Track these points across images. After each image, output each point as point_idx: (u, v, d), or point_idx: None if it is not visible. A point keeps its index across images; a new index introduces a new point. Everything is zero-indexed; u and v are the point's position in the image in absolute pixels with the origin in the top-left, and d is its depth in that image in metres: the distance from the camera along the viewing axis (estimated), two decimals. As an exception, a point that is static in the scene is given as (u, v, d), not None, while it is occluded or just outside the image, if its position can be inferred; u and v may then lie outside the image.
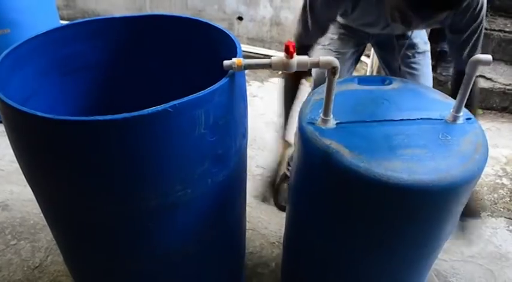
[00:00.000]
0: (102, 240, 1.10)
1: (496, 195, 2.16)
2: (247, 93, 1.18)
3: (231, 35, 1.12)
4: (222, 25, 1.19)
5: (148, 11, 3.54)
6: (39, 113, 0.83)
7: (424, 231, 1.11)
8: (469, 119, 1.17)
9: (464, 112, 1.16)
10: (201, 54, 1.31)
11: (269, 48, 3.33)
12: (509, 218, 2.03)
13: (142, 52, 1.35)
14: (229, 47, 1.09)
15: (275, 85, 3.02)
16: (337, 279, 1.34)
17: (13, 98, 0.88)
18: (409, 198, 1.01)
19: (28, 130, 0.91)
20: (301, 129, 1.14)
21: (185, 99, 0.87)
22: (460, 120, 1.15)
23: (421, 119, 1.16)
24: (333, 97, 1.06)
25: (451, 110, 1.15)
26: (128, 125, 0.84)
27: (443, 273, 1.77)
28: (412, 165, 1.00)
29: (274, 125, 2.56)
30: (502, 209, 2.08)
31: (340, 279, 1.33)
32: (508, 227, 1.98)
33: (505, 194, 2.17)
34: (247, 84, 2.83)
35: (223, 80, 0.95)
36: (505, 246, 1.89)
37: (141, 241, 1.08)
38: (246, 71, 1.06)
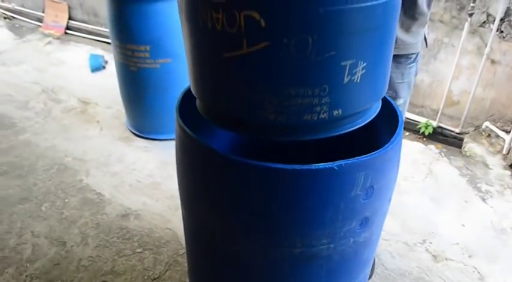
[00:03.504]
0: (235, 277, 1.17)
1: None
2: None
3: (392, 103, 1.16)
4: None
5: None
6: (221, 152, 0.93)
7: None
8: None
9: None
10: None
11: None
12: None
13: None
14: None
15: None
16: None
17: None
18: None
19: (205, 163, 1.02)
20: None
21: (350, 160, 0.92)
22: None
23: None
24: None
25: None
26: (295, 176, 0.91)
27: None
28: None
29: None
30: None
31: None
32: None
33: None
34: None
35: (387, 147, 0.98)
36: None
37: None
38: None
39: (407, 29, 1.40)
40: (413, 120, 3.08)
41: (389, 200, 1.16)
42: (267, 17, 0.79)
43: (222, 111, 1.00)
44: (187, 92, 1.20)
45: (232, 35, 0.83)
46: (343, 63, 0.85)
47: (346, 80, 0.87)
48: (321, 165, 0.90)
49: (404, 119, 1.10)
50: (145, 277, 1.92)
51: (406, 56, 1.47)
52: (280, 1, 0.79)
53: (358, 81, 0.89)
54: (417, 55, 1.51)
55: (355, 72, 0.87)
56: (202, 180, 1.06)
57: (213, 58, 0.92)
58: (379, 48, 0.92)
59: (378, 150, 0.96)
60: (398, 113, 1.11)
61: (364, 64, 0.88)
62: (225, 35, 0.84)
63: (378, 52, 0.92)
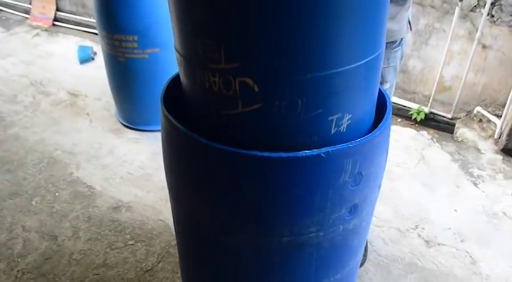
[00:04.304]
0: (225, 267, 1.16)
1: None
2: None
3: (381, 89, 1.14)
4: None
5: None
6: (207, 141, 0.92)
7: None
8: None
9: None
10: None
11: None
12: None
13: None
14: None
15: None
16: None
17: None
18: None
19: (190, 152, 1.01)
20: None
21: (338, 147, 0.90)
22: None
23: None
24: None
25: None
26: (282, 164, 0.89)
27: None
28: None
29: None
30: None
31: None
32: None
33: None
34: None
35: (375, 133, 0.96)
36: None
37: (262, 275, 1.11)
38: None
39: (392, 16, 1.39)
40: (405, 106, 3.07)
41: (379, 187, 1.15)
42: (260, 83, 0.85)
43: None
44: (173, 81, 1.18)
45: (228, 97, 0.89)
46: (330, 118, 0.92)
47: (333, 131, 0.94)
48: (308, 152, 0.88)
49: (391, 103, 1.10)
50: (138, 269, 1.92)
51: (392, 42, 1.45)
52: (272, 69, 0.84)
53: (345, 130, 0.95)
54: (402, 39, 1.50)
55: (341, 124, 0.94)
56: (188, 170, 1.05)
57: (210, 111, 0.98)
58: (364, 99, 0.97)
59: (366, 136, 0.95)
60: (386, 99, 1.09)
61: (350, 115, 0.94)
62: (221, 96, 0.90)
63: (362, 103, 0.97)
